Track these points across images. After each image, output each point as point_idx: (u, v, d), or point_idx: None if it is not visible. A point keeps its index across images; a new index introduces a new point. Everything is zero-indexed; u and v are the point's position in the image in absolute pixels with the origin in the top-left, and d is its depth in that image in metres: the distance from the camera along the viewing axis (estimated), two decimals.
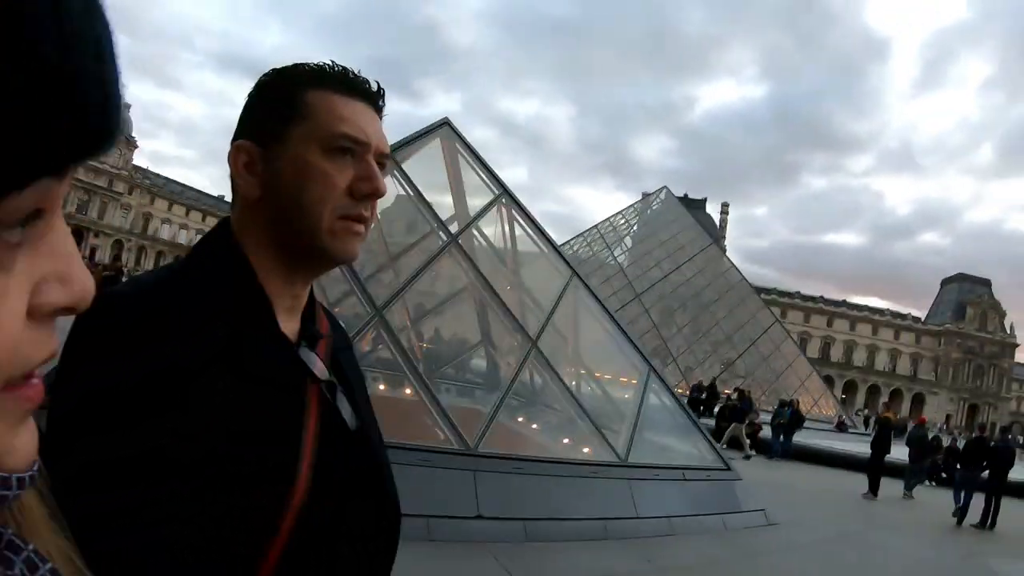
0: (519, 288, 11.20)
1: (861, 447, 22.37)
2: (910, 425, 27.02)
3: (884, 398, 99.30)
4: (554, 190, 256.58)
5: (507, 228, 11.48)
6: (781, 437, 20.51)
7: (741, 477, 9.97)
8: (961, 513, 13.52)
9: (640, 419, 9.28)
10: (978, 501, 13.46)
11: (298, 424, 0.95)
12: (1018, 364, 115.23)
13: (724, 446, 16.37)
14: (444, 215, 10.24)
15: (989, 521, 13.30)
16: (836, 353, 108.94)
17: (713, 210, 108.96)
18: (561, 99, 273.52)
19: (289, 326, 1.02)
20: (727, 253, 75.65)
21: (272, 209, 1.00)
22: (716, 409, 21.88)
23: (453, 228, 10.14)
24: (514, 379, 9.01)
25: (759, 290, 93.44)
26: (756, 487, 11.10)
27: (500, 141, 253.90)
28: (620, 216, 55.55)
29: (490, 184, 10.52)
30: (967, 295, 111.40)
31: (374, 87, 1.06)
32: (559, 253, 10.74)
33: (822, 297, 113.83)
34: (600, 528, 7.80)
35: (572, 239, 54.42)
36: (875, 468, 15.59)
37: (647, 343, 43.65)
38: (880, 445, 16.18)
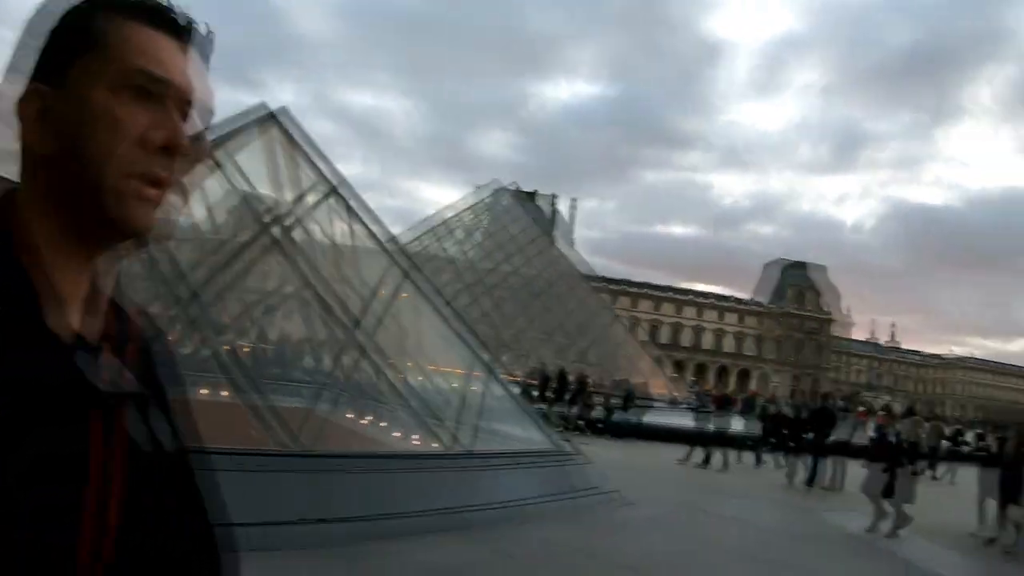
0: (350, 283, 10.73)
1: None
2: (742, 399, 28.65)
3: (732, 376, 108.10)
4: (393, 184, 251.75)
5: (339, 222, 10.98)
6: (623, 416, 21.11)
7: (588, 459, 10.00)
8: (809, 476, 14.59)
9: (476, 409, 9.10)
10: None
11: (83, 455, 0.74)
12: (850, 340, 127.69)
13: (576, 431, 16.71)
14: (273, 208, 9.65)
15: (839, 483, 14.38)
16: (664, 335, 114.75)
17: (548, 203, 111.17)
18: (405, 92, 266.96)
19: (81, 320, 0.79)
20: (574, 246, 77.35)
21: (60, 166, 0.78)
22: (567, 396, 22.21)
23: (282, 222, 9.56)
24: (344, 376, 8.59)
25: (608, 280, 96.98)
26: (602, 466, 11.23)
27: (340, 134, 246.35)
28: (455, 209, 55.48)
29: (323, 177, 9.98)
30: (788, 277, 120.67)
31: (186, 20, 0.84)
32: (392, 247, 10.35)
33: (650, 283, 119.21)
34: (442, 520, 7.49)
35: (406, 231, 53.88)
36: (705, 439, 16.50)
37: (483, 334, 43.99)
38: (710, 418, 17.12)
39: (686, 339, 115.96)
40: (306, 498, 6.74)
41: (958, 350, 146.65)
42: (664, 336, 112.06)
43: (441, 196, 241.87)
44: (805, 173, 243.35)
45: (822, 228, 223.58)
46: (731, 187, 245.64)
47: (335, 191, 9.97)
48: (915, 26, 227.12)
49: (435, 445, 8.47)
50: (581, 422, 21.95)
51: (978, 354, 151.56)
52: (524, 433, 9.93)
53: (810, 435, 15.13)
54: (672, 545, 8.42)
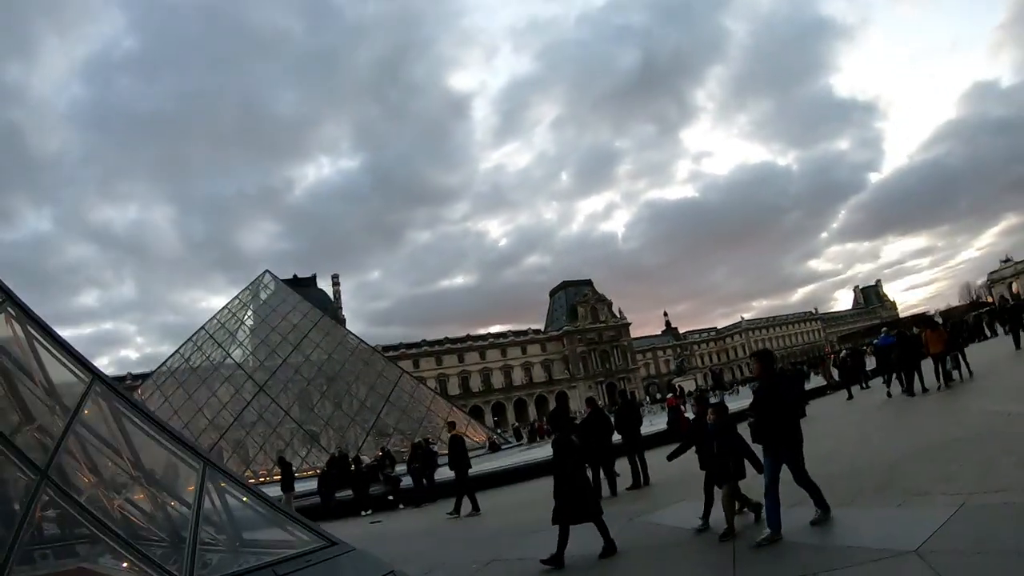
0: (34, 411, 8.82)
1: (513, 459, 23.59)
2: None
3: (551, 402, 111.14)
4: (167, 299, 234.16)
5: (20, 338, 9.03)
6: (424, 481, 19.90)
7: (352, 547, 8.57)
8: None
9: (201, 526, 7.41)
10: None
11: None
12: (635, 338, 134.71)
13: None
14: None
15: (642, 479, 14.33)
16: (475, 384, 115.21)
17: (326, 284, 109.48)
18: (161, 200, 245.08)
19: None
20: (347, 323, 75.56)
21: None
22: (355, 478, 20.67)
23: None
24: (24, 521, 6.74)
25: (388, 348, 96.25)
26: (401, 540, 9.89)
27: (101, 256, 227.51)
28: (227, 311, 52.60)
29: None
30: (575, 297, 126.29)
31: None
32: (73, 356, 8.54)
33: (447, 338, 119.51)
34: None
35: (181, 346, 50.43)
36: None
37: (284, 434, 41.45)
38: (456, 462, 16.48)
39: (497, 381, 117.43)
40: None
41: (747, 315, 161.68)
42: (475, 384, 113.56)
43: (218, 301, 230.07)
44: (570, 199, 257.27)
45: (596, 245, 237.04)
46: (504, 228, 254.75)
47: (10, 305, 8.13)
48: (639, 46, 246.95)
49: None
50: (390, 498, 20.61)
51: (764, 314, 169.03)
52: (275, 536, 8.38)
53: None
54: None
